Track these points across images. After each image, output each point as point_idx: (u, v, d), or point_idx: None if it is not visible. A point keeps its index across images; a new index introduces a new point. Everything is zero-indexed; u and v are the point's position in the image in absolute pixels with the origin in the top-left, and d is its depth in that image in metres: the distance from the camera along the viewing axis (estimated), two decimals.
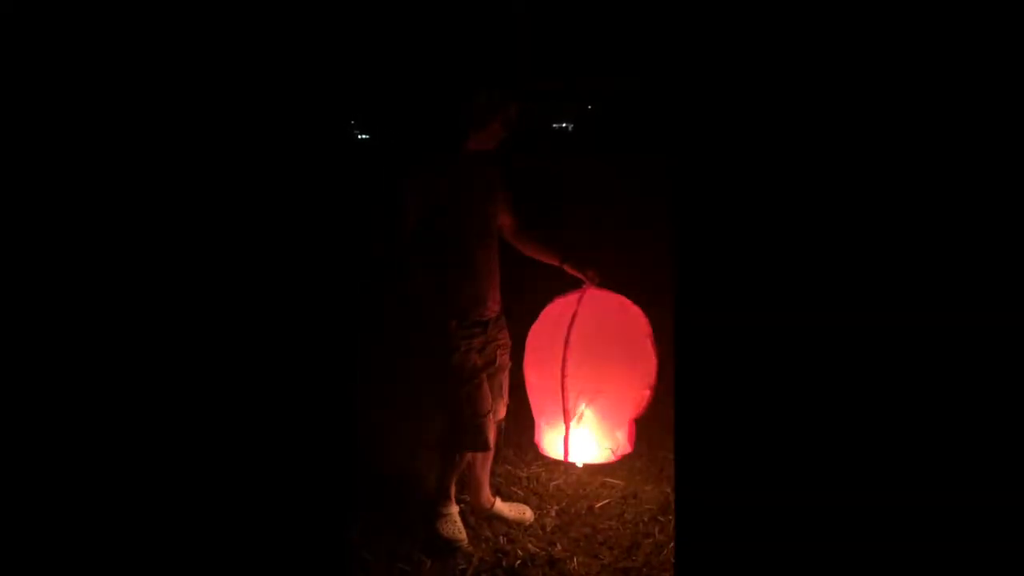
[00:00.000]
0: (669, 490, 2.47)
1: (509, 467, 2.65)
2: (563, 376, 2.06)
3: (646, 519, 2.32)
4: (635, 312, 2.18)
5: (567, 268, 2.18)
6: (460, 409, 2.07)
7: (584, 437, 2.15)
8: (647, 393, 2.13)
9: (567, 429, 2.12)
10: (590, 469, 2.61)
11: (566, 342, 2.06)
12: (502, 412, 2.25)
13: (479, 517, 2.34)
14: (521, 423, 2.79)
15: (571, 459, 2.15)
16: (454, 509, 2.25)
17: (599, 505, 2.41)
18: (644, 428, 2.78)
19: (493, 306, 2.12)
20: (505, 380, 2.24)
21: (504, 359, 2.21)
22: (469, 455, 2.17)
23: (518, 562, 2.12)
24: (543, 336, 2.18)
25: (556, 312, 2.17)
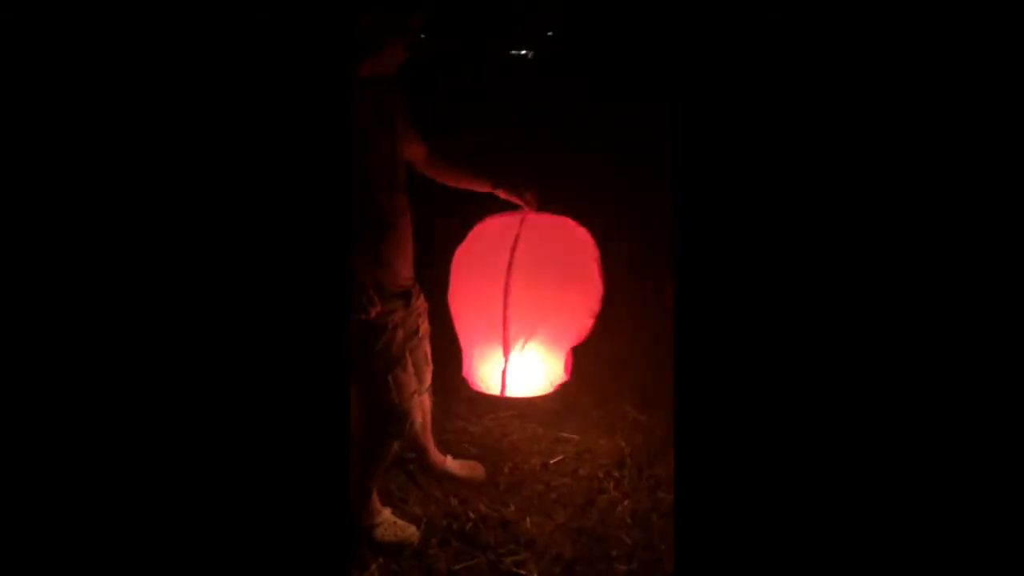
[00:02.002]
0: (623, 443, 2.41)
1: (462, 422, 2.57)
2: (505, 304, 1.85)
3: (601, 475, 2.27)
4: (581, 234, 1.96)
5: (501, 193, 1.92)
6: (386, 396, 1.79)
7: (523, 369, 1.93)
8: (590, 322, 1.93)
9: (506, 361, 1.90)
10: (545, 423, 2.54)
11: (509, 266, 1.84)
12: (429, 379, 2.01)
13: (429, 477, 2.26)
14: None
15: (508, 393, 1.93)
16: (385, 512, 2.02)
17: (553, 461, 2.35)
18: (598, 379, 2.73)
19: (409, 271, 1.84)
20: (428, 346, 1.99)
21: (425, 326, 1.96)
22: (396, 445, 1.91)
23: (469, 525, 2.06)
24: (473, 259, 1.95)
25: (489, 233, 1.95)
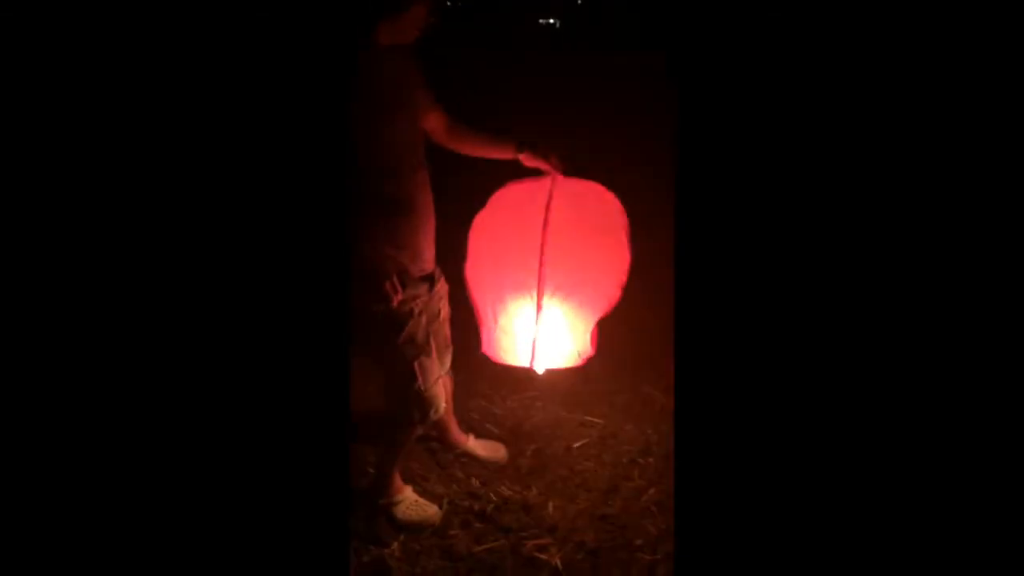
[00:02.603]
0: (650, 431, 2.37)
1: (484, 403, 2.53)
2: (541, 263, 1.74)
3: (625, 461, 2.23)
4: (612, 200, 1.85)
5: (524, 159, 1.80)
6: (412, 383, 1.76)
7: (551, 339, 1.83)
8: (618, 293, 1.82)
9: (538, 326, 1.79)
10: (569, 406, 2.50)
11: (544, 226, 1.74)
12: (449, 360, 1.97)
13: (451, 456, 2.24)
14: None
15: (537, 364, 1.84)
16: (407, 490, 2.00)
17: (577, 445, 2.31)
18: (624, 363, 2.67)
19: (432, 252, 1.78)
20: (448, 328, 1.94)
21: (447, 309, 1.91)
22: (419, 429, 1.89)
23: (491, 507, 2.03)
24: (498, 225, 1.85)
25: (514, 199, 1.85)
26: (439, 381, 1.83)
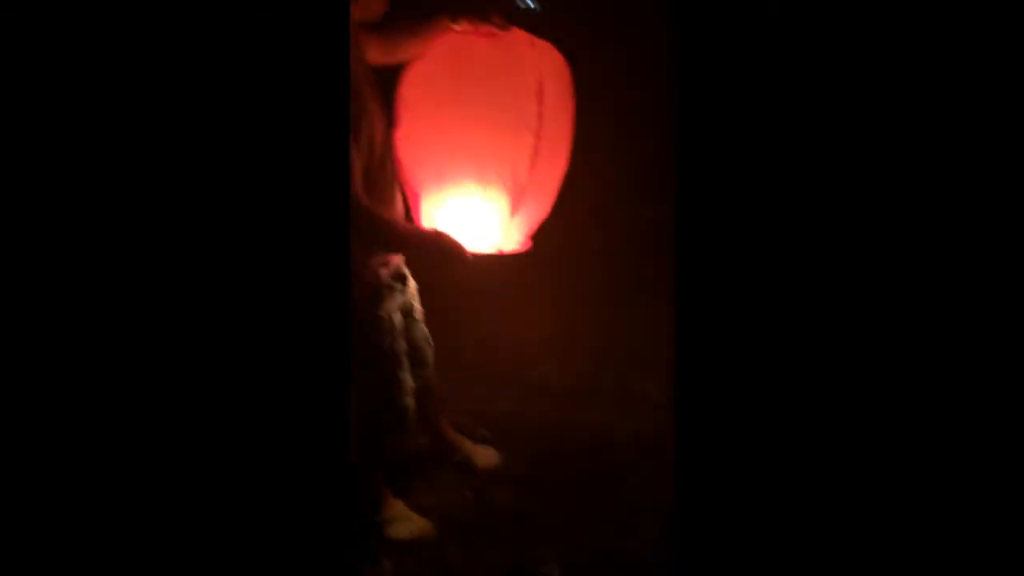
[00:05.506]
0: (650, 432, 2.29)
1: (474, 404, 2.43)
2: (537, 139, 1.47)
3: (624, 463, 2.15)
4: (564, 67, 1.58)
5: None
6: (386, 391, 1.68)
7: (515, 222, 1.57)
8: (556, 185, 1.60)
9: (515, 208, 1.54)
10: (562, 405, 2.42)
11: (540, 95, 1.47)
12: (432, 357, 1.91)
13: (441, 464, 2.14)
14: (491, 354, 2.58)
15: (505, 247, 1.59)
16: (398, 504, 1.90)
17: (572, 447, 2.23)
18: (618, 359, 2.59)
19: None
20: (424, 326, 1.86)
21: (418, 304, 1.83)
22: (402, 437, 1.80)
23: (486, 518, 1.94)
24: (443, 85, 1.52)
25: (456, 52, 1.54)
26: (412, 391, 1.75)
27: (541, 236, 1.66)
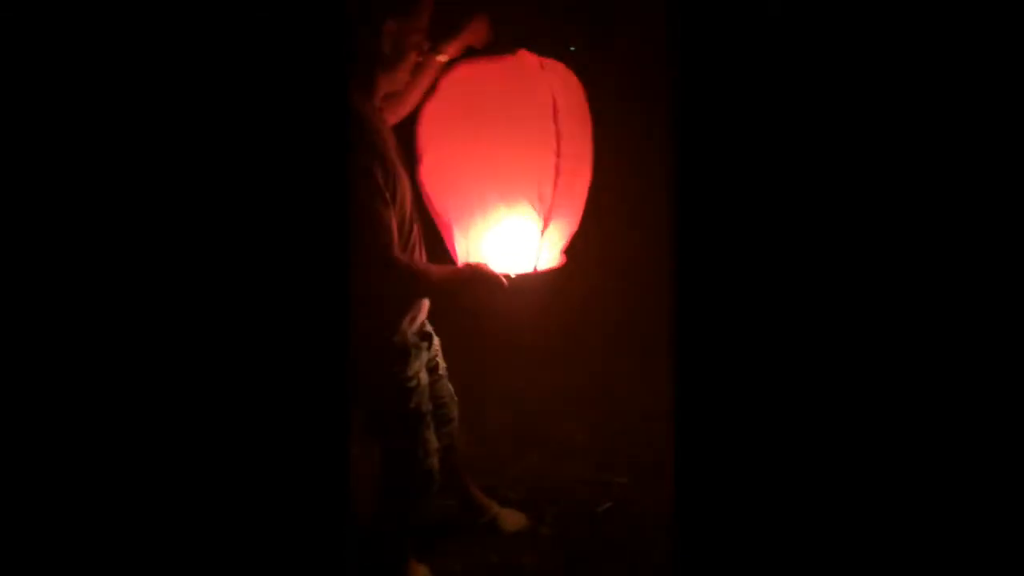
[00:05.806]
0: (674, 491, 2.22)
1: (498, 463, 2.39)
2: (558, 163, 1.50)
3: (652, 525, 2.09)
4: (576, 83, 1.63)
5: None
6: (413, 455, 1.64)
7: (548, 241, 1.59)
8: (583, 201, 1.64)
9: (545, 226, 1.55)
10: (587, 466, 2.37)
11: (555, 113, 1.50)
12: (456, 413, 1.89)
13: (468, 526, 2.09)
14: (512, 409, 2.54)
15: (540, 265, 1.60)
16: (421, 569, 1.84)
17: (601, 509, 2.17)
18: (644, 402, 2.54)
19: (428, 305, 1.68)
20: (448, 383, 1.87)
21: (443, 361, 1.83)
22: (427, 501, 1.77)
23: None
24: (460, 116, 1.56)
25: (467, 81, 1.59)
26: (437, 452, 1.72)
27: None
